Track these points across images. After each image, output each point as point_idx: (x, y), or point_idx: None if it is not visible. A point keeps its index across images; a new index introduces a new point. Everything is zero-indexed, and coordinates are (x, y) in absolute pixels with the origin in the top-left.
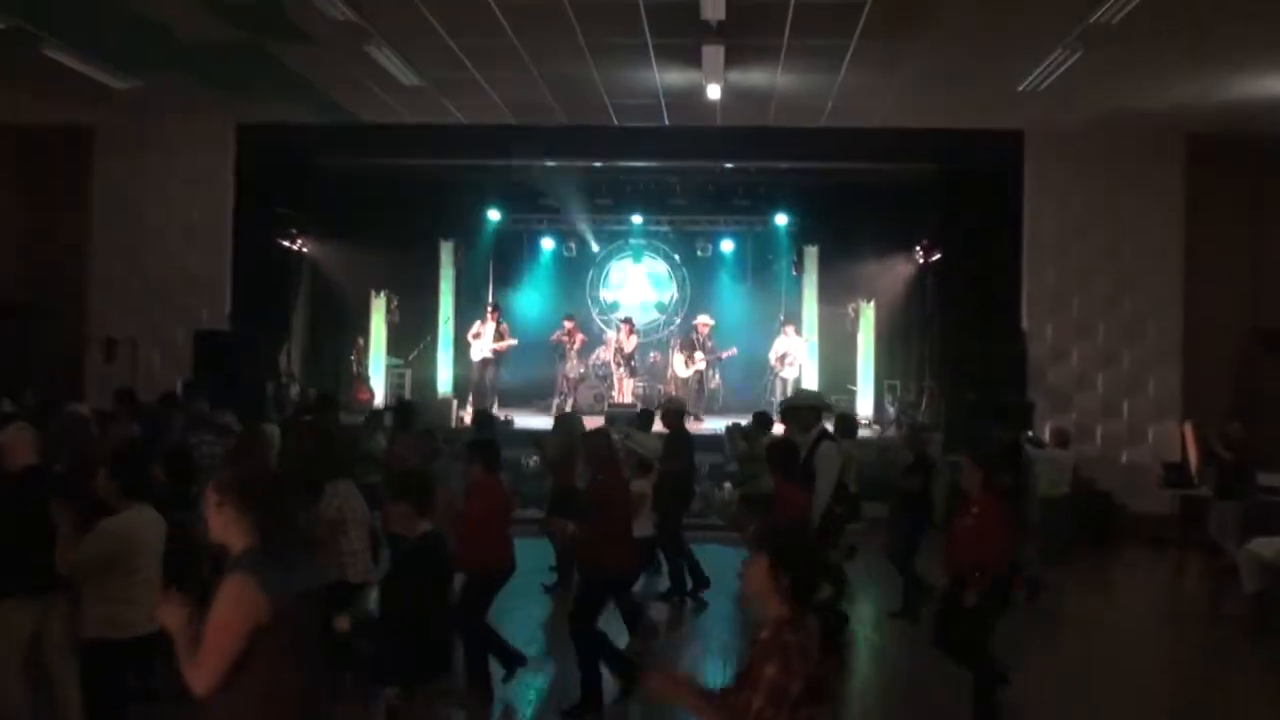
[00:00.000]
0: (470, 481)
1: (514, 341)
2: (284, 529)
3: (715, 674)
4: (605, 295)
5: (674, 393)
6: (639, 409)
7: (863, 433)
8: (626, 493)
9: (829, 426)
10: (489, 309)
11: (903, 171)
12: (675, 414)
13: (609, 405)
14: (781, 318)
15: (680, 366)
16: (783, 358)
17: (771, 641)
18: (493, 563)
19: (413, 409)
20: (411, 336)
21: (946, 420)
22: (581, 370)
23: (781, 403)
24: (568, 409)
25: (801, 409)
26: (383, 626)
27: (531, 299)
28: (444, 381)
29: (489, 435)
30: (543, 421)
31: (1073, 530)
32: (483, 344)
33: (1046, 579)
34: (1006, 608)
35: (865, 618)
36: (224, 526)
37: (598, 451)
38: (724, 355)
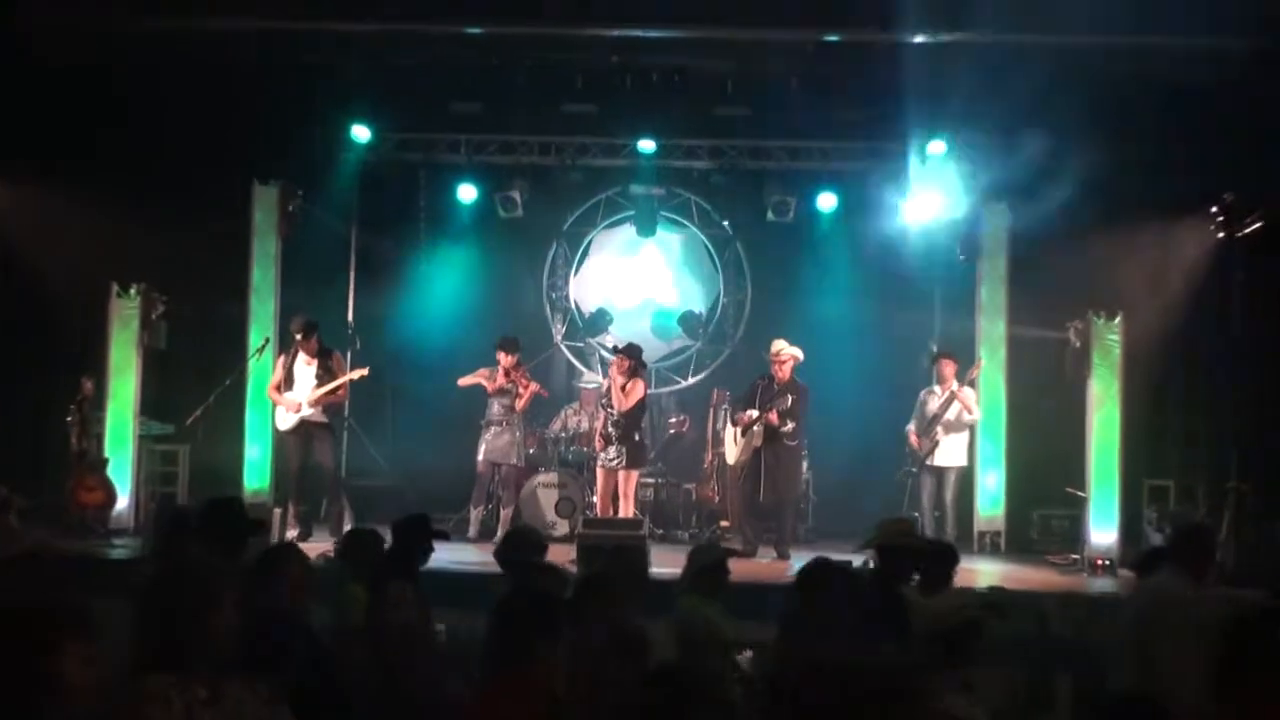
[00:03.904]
0: None
1: (361, 373)
2: None
3: None
4: (583, 296)
5: (711, 492)
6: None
7: (1100, 584)
8: None
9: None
10: (296, 332)
11: (1178, 54)
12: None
13: (583, 520)
14: (934, 347)
15: (731, 442)
16: (933, 425)
17: None
18: None
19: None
20: (191, 378)
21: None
22: (530, 450)
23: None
24: (498, 534)
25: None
26: None
27: (434, 302)
28: (256, 464)
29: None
30: (461, 554)
31: None
32: (296, 398)
33: None
34: None
35: None
36: None
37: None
38: (782, 414)
